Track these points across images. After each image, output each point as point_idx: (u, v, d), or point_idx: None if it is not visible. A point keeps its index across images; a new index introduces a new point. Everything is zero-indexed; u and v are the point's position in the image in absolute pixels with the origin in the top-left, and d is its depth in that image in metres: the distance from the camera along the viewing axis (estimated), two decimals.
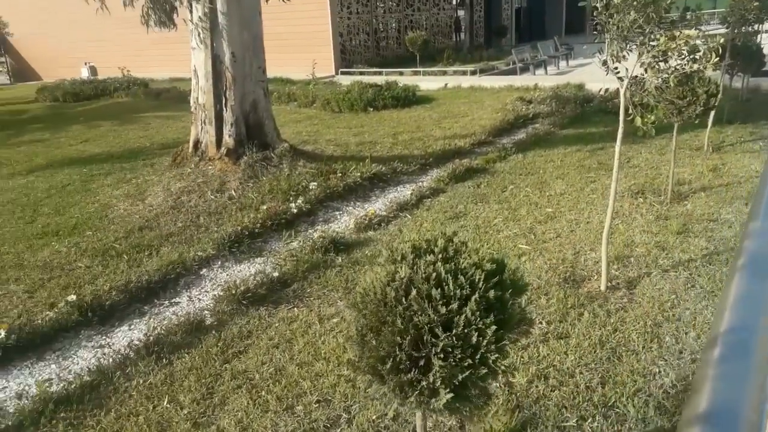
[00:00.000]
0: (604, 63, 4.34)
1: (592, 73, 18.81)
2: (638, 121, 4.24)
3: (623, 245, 5.03)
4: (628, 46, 4.26)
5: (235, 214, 6.24)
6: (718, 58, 4.00)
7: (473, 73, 18.66)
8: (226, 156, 7.40)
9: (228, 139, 7.47)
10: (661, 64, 4.15)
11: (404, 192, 6.95)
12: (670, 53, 3.91)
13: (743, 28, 8.15)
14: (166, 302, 4.63)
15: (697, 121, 6.29)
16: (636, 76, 4.21)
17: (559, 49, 21.94)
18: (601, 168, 7.64)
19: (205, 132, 7.59)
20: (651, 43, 3.98)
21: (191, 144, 7.81)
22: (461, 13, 28.80)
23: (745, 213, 5.66)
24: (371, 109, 13.39)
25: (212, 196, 6.75)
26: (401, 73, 19.74)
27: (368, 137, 10.23)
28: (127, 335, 4.19)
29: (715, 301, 4.04)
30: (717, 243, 4.98)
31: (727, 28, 8.26)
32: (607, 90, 12.80)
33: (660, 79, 4.06)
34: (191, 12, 7.34)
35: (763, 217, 1.54)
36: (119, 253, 5.47)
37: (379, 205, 6.56)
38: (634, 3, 3.97)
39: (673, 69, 4.09)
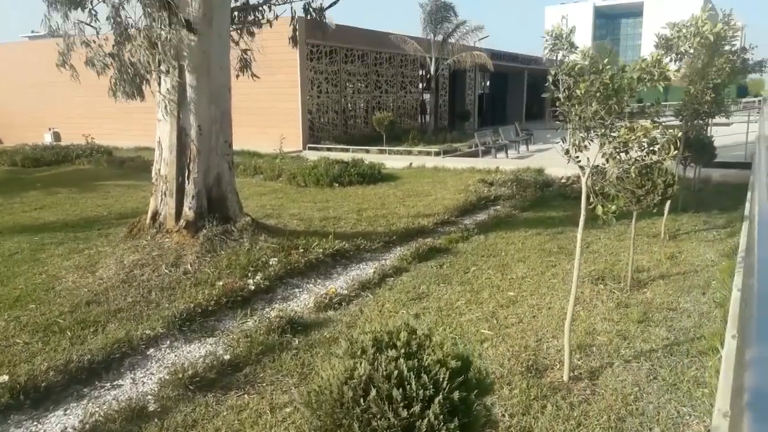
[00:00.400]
0: (567, 152, 4.45)
1: (551, 159, 19.50)
2: (599, 210, 4.30)
3: (585, 333, 4.97)
4: (589, 135, 4.39)
5: (189, 290, 5.99)
6: (676, 150, 4.14)
7: (437, 153, 19.12)
8: (184, 229, 7.21)
9: (188, 212, 7.31)
10: (622, 155, 4.28)
11: (367, 270, 6.84)
12: (630, 144, 4.03)
13: (696, 121, 8.60)
14: (108, 384, 4.31)
15: (654, 210, 6.46)
16: (597, 166, 4.31)
17: (519, 134, 22.81)
18: (562, 252, 7.71)
19: (165, 204, 7.42)
20: (612, 134, 4.10)
21: (149, 215, 7.61)
22: (427, 96, 29.91)
23: (702, 302, 5.73)
24: (337, 185, 13.46)
25: (167, 270, 6.50)
26: (368, 151, 20.10)
27: (333, 213, 10.20)
28: (62, 421, 3.84)
29: (677, 394, 3.97)
30: (677, 333, 4.97)
31: (680, 120, 8.71)
32: (569, 178, 13.20)
33: (621, 169, 4.17)
34: (160, 84, 7.35)
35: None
36: (62, 329, 5.13)
37: (340, 282, 6.41)
38: (597, 95, 4.12)
39: (634, 160, 4.21)
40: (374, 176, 14.40)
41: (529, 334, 4.98)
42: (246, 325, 5.25)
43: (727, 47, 7.92)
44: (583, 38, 75.72)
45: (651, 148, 4.26)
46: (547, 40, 4.29)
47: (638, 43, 77.56)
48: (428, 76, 27.31)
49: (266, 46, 10.72)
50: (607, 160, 4.22)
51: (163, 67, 7.17)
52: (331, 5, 10.98)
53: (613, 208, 4.30)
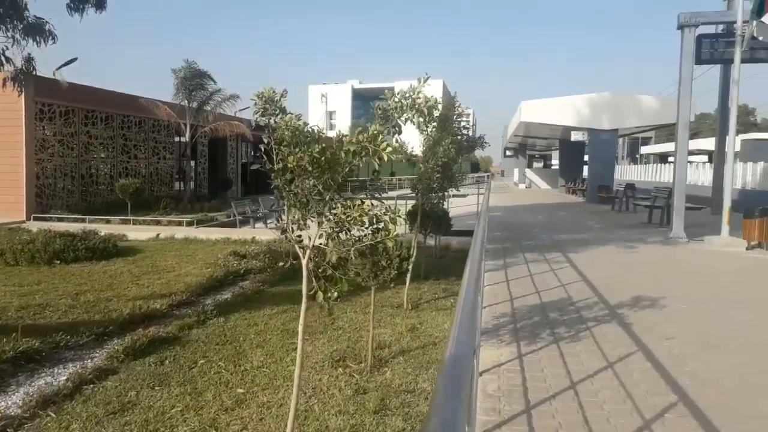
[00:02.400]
0: (283, 231, 3.94)
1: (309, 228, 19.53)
2: (320, 296, 3.83)
3: None
4: (309, 213, 3.94)
5: None
6: (402, 228, 3.87)
7: (190, 224, 17.76)
8: None
9: None
10: (342, 235, 3.89)
11: (62, 376, 5.43)
12: (347, 224, 3.66)
13: (429, 195, 9.01)
14: None
15: (392, 285, 6.32)
16: (318, 246, 3.86)
17: (280, 203, 22.57)
18: (306, 332, 7.19)
19: None
20: (333, 211, 3.70)
21: None
22: (184, 163, 28.30)
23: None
24: (58, 262, 11.36)
25: None
26: (108, 221, 17.84)
27: (40, 298, 8.36)
28: None
29: None
30: (413, 421, 4.66)
31: (416, 194, 9.06)
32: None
33: (343, 251, 3.77)
34: None
35: None
36: None
37: (17, 398, 4.93)
38: (311, 169, 3.69)
39: (355, 240, 3.85)
40: (108, 251, 12.58)
41: None
42: None
43: (455, 126, 8.51)
44: (344, 117, 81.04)
45: (375, 226, 3.96)
46: (256, 104, 3.80)
47: None
48: (185, 143, 25.90)
49: None
50: (328, 241, 3.80)
51: None
52: (66, 64, 9.51)
53: (335, 294, 3.86)
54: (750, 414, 3.75)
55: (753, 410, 3.81)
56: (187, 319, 7.37)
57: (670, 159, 67.32)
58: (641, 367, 4.53)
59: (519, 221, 17.04)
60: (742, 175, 38.32)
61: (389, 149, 3.66)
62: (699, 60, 12.51)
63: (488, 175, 42.32)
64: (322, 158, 3.48)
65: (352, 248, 3.71)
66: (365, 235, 3.82)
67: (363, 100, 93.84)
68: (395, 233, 4.02)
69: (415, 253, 9.33)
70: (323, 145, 3.50)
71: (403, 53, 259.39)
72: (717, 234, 11.89)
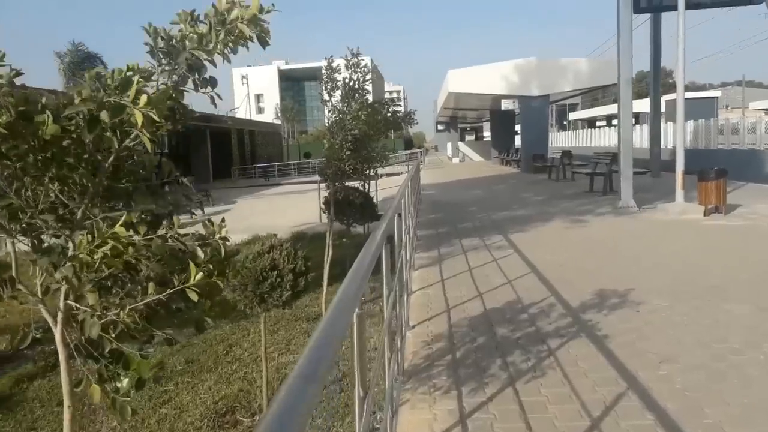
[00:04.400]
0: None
1: (228, 223, 17.38)
2: (95, 393, 2.09)
3: None
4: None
5: None
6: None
7: None
8: None
9: None
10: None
11: None
12: (103, 264, 1.93)
13: (339, 182, 7.36)
14: None
15: (285, 309, 4.65)
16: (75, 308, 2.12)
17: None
18: (189, 370, 5.45)
19: None
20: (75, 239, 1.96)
21: None
22: None
23: None
24: None
25: None
26: None
27: None
28: None
29: None
30: None
31: (325, 182, 7.39)
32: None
33: (108, 316, 2.03)
34: None
35: None
36: None
37: None
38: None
39: (137, 290, 2.13)
40: None
41: None
42: None
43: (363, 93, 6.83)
44: (272, 99, 77.62)
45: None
46: None
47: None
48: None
49: None
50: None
51: None
52: None
53: (126, 384, 2.13)
54: None
55: None
56: None
57: (598, 124, 68.22)
58: (640, 422, 3.05)
59: (454, 199, 15.64)
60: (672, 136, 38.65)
61: (144, 100, 1.94)
62: (637, 8, 11.29)
63: (421, 151, 41.06)
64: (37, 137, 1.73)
65: (125, 310, 1.98)
66: (149, 284, 2.10)
67: (292, 81, 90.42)
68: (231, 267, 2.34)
69: (330, 252, 7.69)
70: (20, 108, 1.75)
71: (331, 32, 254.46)
72: (667, 200, 10.83)
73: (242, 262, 4.32)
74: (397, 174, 26.04)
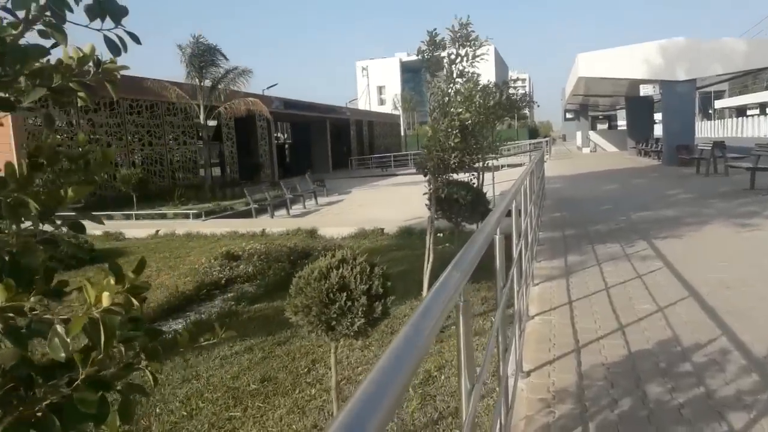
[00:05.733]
0: None
1: (334, 215, 17.00)
2: None
3: None
4: None
5: None
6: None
7: (197, 216, 15.64)
8: None
9: None
10: None
11: None
12: None
13: (444, 175, 6.26)
14: None
15: (358, 340, 3.67)
16: None
17: (309, 187, 20.09)
18: (270, 383, 4.70)
19: None
20: None
21: None
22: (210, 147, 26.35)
23: None
24: None
25: None
26: (111, 217, 15.95)
27: None
28: None
29: None
30: None
31: (426, 177, 6.35)
32: (339, 239, 10.45)
33: None
34: None
35: None
36: None
37: None
38: None
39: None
40: (79, 258, 10.45)
41: None
42: None
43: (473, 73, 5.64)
44: (394, 90, 77.73)
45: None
46: None
47: None
48: (209, 126, 23.82)
49: None
50: None
51: None
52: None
53: None
54: None
55: None
56: None
57: (749, 112, 60.69)
58: None
59: (584, 195, 13.90)
60: None
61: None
62: None
63: (546, 141, 38.57)
64: None
65: None
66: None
67: (413, 72, 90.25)
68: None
69: (431, 257, 6.64)
70: None
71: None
72: None
73: (306, 278, 3.41)
74: (519, 165, 24.36)
